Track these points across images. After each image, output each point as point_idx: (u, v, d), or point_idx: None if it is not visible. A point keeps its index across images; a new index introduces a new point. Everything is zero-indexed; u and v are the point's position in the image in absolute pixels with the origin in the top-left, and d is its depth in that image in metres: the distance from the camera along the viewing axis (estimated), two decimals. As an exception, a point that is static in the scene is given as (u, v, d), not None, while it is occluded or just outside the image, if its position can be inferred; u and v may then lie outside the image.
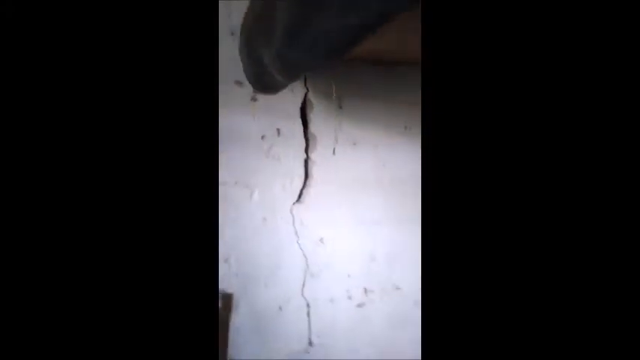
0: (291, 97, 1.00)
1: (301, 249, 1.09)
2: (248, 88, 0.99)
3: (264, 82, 0.81)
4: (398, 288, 1.25)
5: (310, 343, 1.13)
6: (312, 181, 1.08)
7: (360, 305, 1.19)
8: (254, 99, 1.00)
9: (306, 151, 1.07)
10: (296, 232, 1.08)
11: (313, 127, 1.06)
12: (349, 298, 1.17)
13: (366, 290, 1.20)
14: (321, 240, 1.12)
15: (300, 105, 1.05)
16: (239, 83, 0.99)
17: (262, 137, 1.02)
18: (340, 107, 1.09)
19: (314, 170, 1.08)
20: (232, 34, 0.94)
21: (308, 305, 1.11)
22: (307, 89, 1.06)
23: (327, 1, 0.47)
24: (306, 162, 1.07)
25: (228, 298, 1.02)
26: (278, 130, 1.03)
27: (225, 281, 1.01)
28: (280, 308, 1.08)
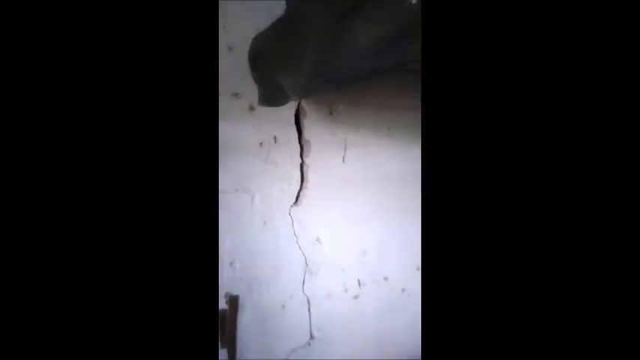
0: (286, 105, 1.03)
1: (300, 249, 1.12)
2: (245, 100, 1.01)
3: (273, 99, 0.86)
4: (386, 278, 1.34)
5: (311, 337, 1.17)
6: (307, 184, 1.11)
7: (355, 297, 1.25)
8: (251, 109, 1.03)
9: (301, 155, 1.10)
10: (295, 233, 1.11)
11: (307, 134, 1.09)
12: (345, 291, 1.22)
13: (359, 282, 1.27)
14: (318, 239, 1.16)
15: (294, 113, 1.08)
16: (236, 95, 1.01)
17: (260, 145, 1.05)
18: (330, 113, 1.15)
19: (309, 174, 1.11)
20: (230, 49, 0.97)
21: (308, 301, 1.15)
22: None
23: (356, 48, 0.54)
24: (301, 166, 1.10)
25: (235, 299, 1.06)
26: (275, 137, 1.06)
27: (231, 284, 1.04)
28: (283, 306, 1.11)
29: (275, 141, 1.06)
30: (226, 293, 1.03)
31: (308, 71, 0.68)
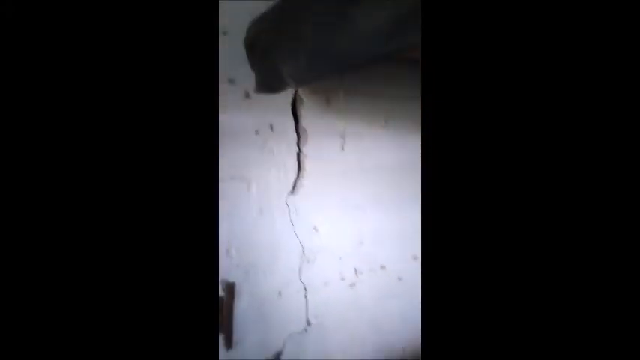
0: (282, 93, 1.00)
1: (297, 237, 1.11)
2: (241, 86, 0.99)
3: (271, 86, 0.84)
4: (383, 267, 1.34)
5: (308, 323, 1.17)
6: (304, 173, 1.09)
7: (352, 285, 1.25)
8: (247, 96, 1.01)
9: (298, 144, 1.08)
10: (291, 222, 1.10)
11: (304, 122, 1.07)
12: (342, 279, 1.22)
13: (356, 271, 1.27)
14: (315, 228, 1.15)
15: (290, 101, 1.05)
16: (231, 81, 0.99)
17: (256, 132, 1.03)
18: (328, 102, 1.13)
19: (306, 163, 1.09)
20: (224, 33, 0.94)
21: (305, 289, 1.14)
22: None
23: (355, 35, 0.52)
24: (298, 155, 1.08)
25: (231, 286, 1.06)
26: (271, 125, 1.04)
27: (228, 271, 1.04)
28: (280, 293, 1.11)
29: (271, 129, 1.05)
30: (222, 280, 1.03)
31: (306, 57, 0.66)
